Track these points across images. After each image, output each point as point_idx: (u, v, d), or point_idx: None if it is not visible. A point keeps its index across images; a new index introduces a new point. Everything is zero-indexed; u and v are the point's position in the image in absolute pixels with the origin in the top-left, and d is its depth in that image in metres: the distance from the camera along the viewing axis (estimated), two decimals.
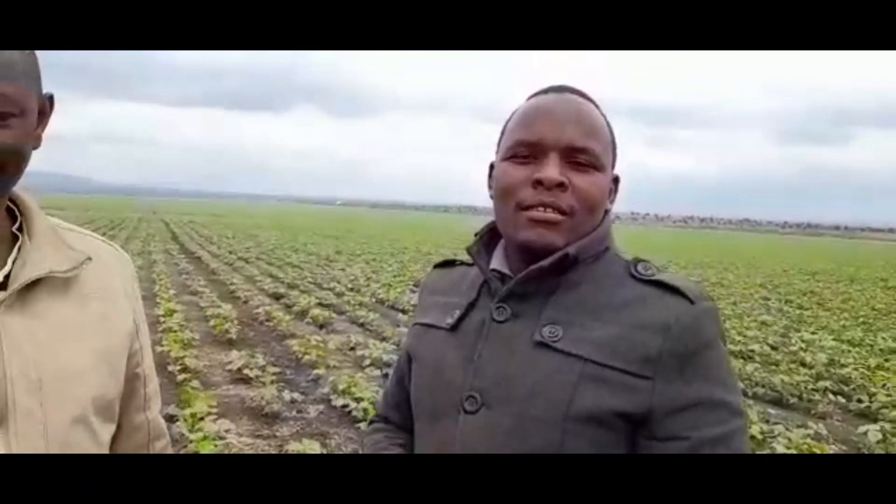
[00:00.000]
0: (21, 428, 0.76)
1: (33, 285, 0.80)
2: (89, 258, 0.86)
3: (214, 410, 4.42)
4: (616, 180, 0.95)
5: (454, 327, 0.94)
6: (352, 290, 11.58)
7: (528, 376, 0.85)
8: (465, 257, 1.03)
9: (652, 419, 0.82)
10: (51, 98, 0.85)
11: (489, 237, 0.98)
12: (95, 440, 0.84)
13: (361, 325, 8.43)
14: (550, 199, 0.85)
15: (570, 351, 0.84)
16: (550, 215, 0.86)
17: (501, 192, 0.90)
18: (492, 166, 0.97)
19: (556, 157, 0.86)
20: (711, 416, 0.82)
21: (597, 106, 0.93)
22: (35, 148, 0.84)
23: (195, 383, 5.16)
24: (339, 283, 12.39)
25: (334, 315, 9.00)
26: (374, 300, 10.53)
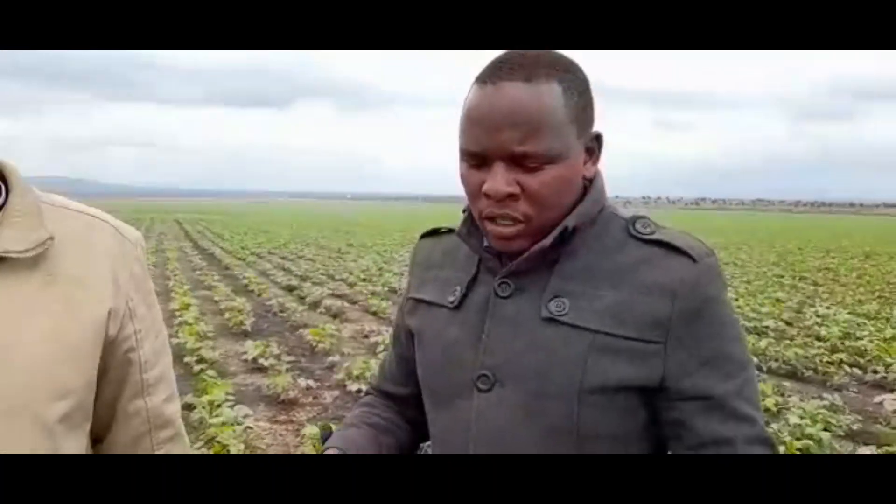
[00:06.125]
0: None
1: None
2: (51, 238, 0.82)
3: (231, 398, 4.48)
4: (598, 138, 0.89)
5: (458, 306, 0.93)
6: (364, 280, 11.64)
7: (538, 352, 0.84)
8: (451, 224, 1.01)
9: (667, 382, 0.83)
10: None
11: None
12: (35, 425, 0.79)
13: (374, 313, 8.48)
14: (503, 211, 0.83)
15: (578, 324, 0.83)
16: (506, 229, 0.84)
17: (466, 194, 0.88)
18: None
19: (501, 164, 0.82)
20: (723, 370, 0.83)
21: (553, 75, 0.83)
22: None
23: (211, 373, 5.23)
24: (351, 273, 12.45)
25: (347, 305, 9.06)
26: (386, 289, 10.58)
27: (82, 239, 0.87)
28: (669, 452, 0.88)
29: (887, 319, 8.72)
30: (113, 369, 0.88)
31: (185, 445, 0.99)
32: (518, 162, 0.81)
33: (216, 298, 9.15)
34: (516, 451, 0.86)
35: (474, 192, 0.85)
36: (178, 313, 7.64)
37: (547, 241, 0.85)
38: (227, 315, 7.77)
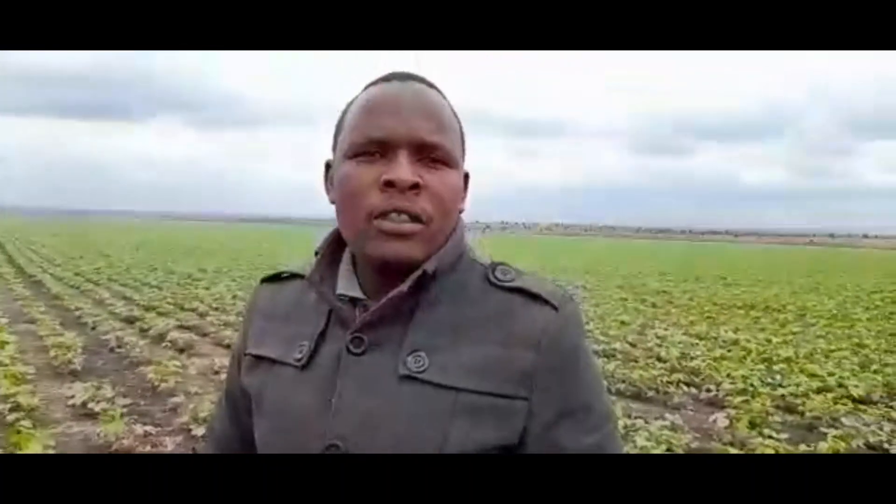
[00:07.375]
0: None
1: None
2: None
3: (52, 451, 3.93)
4: (466, 177, 0.87)
5: (305, 364, 0.82)
6: (216, 309, 10.93)
7: (395, 416, 0.76)
8: (296, 268, 0.92)
9: (527, 438, 0.77)
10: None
11: (332, 251, 0.87)
12: None
13: (227, 346, 7.95)
14: (404, 204, 0.77)
15: (439, 381, 0.77)
16: (405, 226, 0.77)
17: (348, 196, 0.79)
18: (328, 166, 0.87)
19: (406, 154, 0.77)
20: (586, 423, 0.79)
21: (443, 95, 0.85)
22: None
23: (27, 423, 4.57)
24: (202, 302, 11.66)
25: (196, 337, 8.43)
26: (241, 319, 9.98)
27: None
28: None
29: (715, 339, 9.59)
30: None
31: None
32: (424, 154, 0.79)
33: (41, 333, 8.14)
34: None
35: (365, 187, 0.77)
36: None
37: (404, 287, 0.77)
38: (52, 352, 6.91)
